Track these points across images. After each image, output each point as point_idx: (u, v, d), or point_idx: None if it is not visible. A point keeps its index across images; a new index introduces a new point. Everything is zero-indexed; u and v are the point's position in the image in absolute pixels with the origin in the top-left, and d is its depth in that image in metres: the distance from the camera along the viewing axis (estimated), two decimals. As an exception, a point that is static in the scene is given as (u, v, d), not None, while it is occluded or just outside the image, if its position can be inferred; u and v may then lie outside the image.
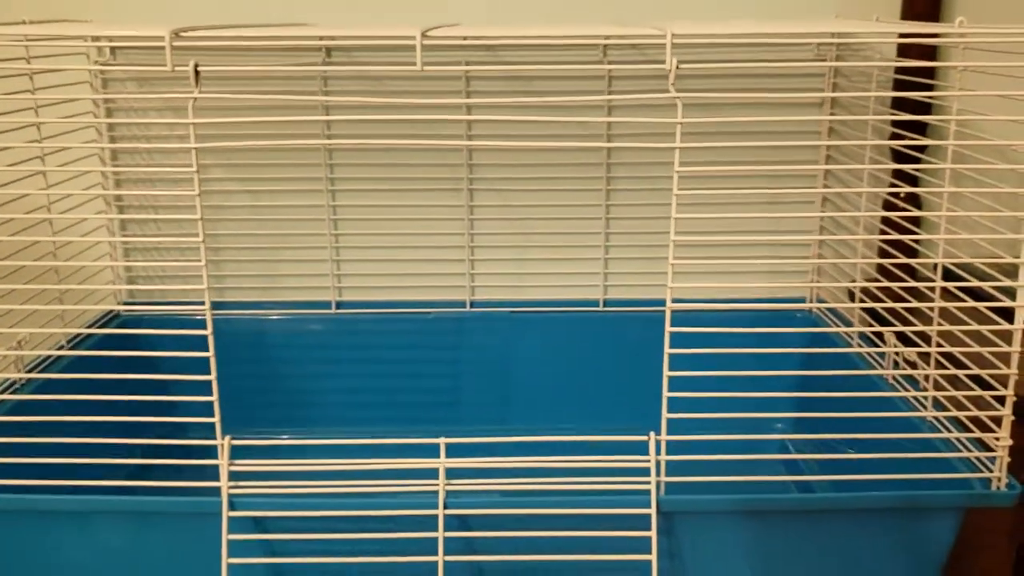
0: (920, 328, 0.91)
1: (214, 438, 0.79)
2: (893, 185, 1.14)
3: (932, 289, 0.90)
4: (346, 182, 1.24)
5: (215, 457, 0.79)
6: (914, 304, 0.94)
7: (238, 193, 1.23)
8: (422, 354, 1.25)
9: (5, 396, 0.95)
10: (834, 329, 1.17)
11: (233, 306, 1.24)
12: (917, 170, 1.08)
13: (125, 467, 0.83)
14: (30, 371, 1.00)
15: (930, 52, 1.12)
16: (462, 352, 1.26)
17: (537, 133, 1.19)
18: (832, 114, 1.20)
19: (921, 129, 1.08)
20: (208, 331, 0.76)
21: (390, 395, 1.25)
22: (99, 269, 1.22)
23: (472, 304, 1.27)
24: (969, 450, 0.85)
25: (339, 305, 1.27)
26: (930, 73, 1.13)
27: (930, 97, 1.04)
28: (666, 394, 0.79)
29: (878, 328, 1.02)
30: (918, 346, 0.94)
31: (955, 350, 0.88)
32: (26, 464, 0.80)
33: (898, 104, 1.09)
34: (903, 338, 0.97)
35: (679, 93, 0.73)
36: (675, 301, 0.77)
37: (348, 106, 1.15)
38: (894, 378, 0.99)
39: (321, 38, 1.14)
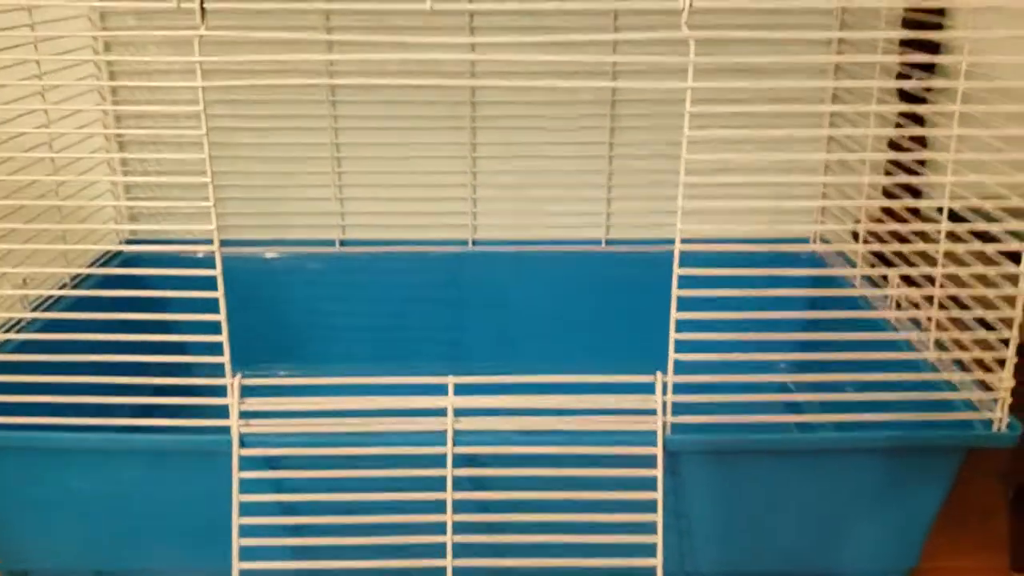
0: (925, 269, 0.91)
1: (222, 376, 0.79)
2: (899, 126, 1.12)
3: (938, 230, 0.89)
4: (349, 120, 1.22)
5: (222, 396, 0.80)
6: (919, 246, 0.94)
7: (241, 131, 1.22)
8: (425, 292, 1.25)
9: (11, 335, 0.94)
10: (838, 272, 1.17)
11: (236, 243, 1.23)
12: (923, 106, 1.06)
13: (131, 408, 0.83)
14: (35, 310, 1.00)
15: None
16: (465, 290, 1.26)
17: (542, 71, 1.17)
18: (840, 54, 1.19)
19: (929, 70, 1.07)
20: (217, 271, 0.76)
21: (393, 332, 1.25)
22: (101, 207, 1.21)
23: (474, 243, 1.27)
24: (971, 391, 0.85)
25: (343, 243, 1.26)
26: (940, 13, 1.11)
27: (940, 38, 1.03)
28: (673, 335, 0.79)
29: (882, 268, 1.02)
30: (921, 287, 0.94)
31: (959, 291, 0.88)
32: (34, 403, 0.80)
33: (907, 44, 1.08)
34: (906, 279, 0.97)
35: (692, 32, 0.72)
36: (683, 241, 0.77)
37: (352, 43, 1.13)
38: (896, 319, 0.99)
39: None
